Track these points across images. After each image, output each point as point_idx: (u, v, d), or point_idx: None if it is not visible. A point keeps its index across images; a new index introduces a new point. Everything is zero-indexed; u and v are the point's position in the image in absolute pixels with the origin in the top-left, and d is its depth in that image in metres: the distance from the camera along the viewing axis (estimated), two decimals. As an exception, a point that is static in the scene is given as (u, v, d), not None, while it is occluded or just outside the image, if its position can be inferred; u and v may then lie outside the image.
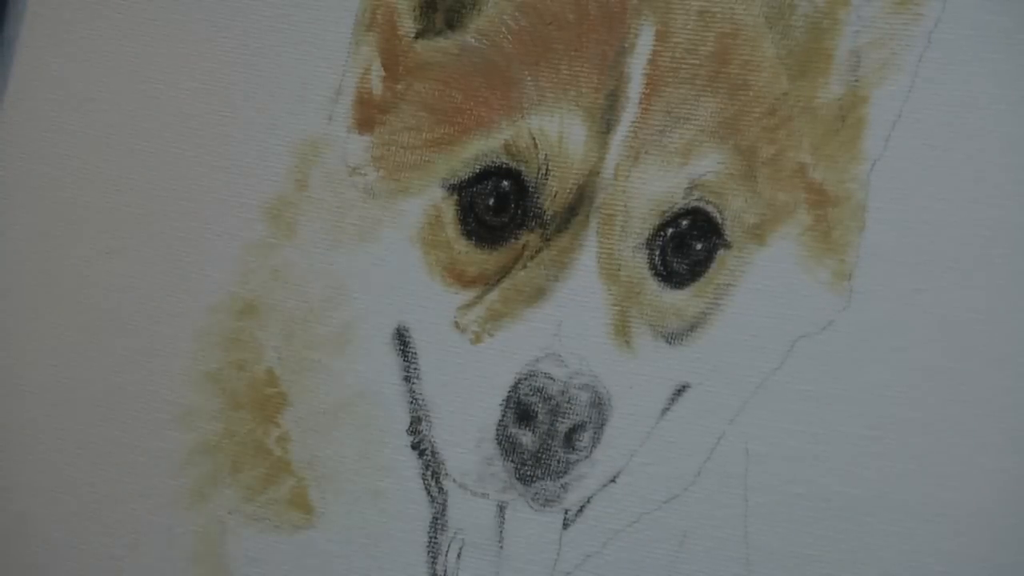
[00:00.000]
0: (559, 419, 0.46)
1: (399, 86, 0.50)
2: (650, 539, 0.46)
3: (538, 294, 0.48)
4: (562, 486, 0.47)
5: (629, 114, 0.47)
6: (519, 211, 0.48)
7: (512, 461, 0.47)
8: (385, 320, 0.50)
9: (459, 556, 0.49)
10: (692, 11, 0.47)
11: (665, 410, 0.47)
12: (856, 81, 0.46)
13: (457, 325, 0.49)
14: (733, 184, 0.46)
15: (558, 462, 0.47)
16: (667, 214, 0.47)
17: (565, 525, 0.48)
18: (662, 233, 0.47)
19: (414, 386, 0.50)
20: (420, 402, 0.50)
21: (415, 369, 0.50)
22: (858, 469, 0.44)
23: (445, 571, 0.49)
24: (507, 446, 0.47)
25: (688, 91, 0.47)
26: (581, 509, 0.48)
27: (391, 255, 0.50)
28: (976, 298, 0.44)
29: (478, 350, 0.49)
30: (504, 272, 0.49)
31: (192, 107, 0.53)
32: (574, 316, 0.47)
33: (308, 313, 0.51)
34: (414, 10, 0.50)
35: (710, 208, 0.47)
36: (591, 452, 0.47)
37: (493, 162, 0.49)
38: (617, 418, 0.47)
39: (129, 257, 0.54)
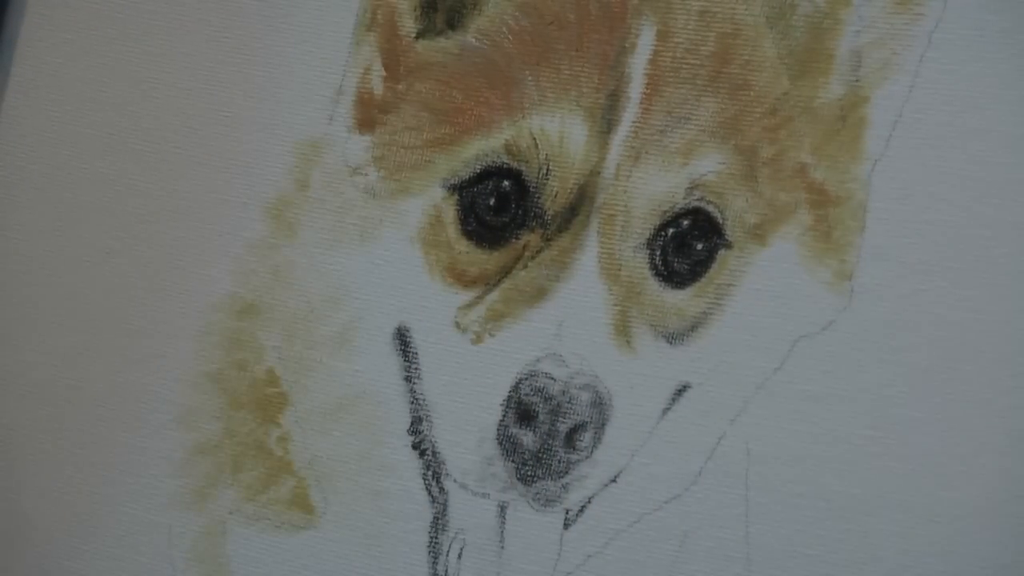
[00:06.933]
0: (560, 419, 0.46)
1: (400, 86, 0.50)
2: (651, 539, 0.46)
3: (539, 294, 0.48)
4: (563, 486, 0.47)
5: (630, 114, 0.47)
6: (520, 211, 0.48)
7: (513, 461, 0.47)
8: (386, 320, 0.50)
9: (460, 556, 0.49)
10: (693, 11, 0.47)
11: (666, 410, 0.47)
12: (857, 81, 0.46)
13: (458, 325, 0.49)
14: (734, 184, 0.46)
15: (559, 462, 0.47)
16: (668, 214, 0.47)
17: (566, 525, 0.48)
18: (663, 233, 0.47)
19: (415, 386, 0.50)
20: (421, 402, 0.50)
21: (416, 369, 0.50)
22: (859, 469, 0.44)
23: (446, 571, 0.49)
24: (508, 446, 0.47)
25: (689, 91, 0.47)
26: (582, 509, 0.48)
27: (392, 255, 0.50)
28: (976, 298, 0.44)
29: (479, 350, 0.49)
30: (505, 272, 0.49)
31: (193, 107, 0.53)
32: (575, 316, 0.47)
33: (309, 313, 0.51)
34: (415, 10, 0.50)
35: (711, 208, 0.47)
36: (592, 452, 0.47)
37: (494, 162, 0.49)
38: (618, 418, 0.47)
39: (130, 257, 0.54)
